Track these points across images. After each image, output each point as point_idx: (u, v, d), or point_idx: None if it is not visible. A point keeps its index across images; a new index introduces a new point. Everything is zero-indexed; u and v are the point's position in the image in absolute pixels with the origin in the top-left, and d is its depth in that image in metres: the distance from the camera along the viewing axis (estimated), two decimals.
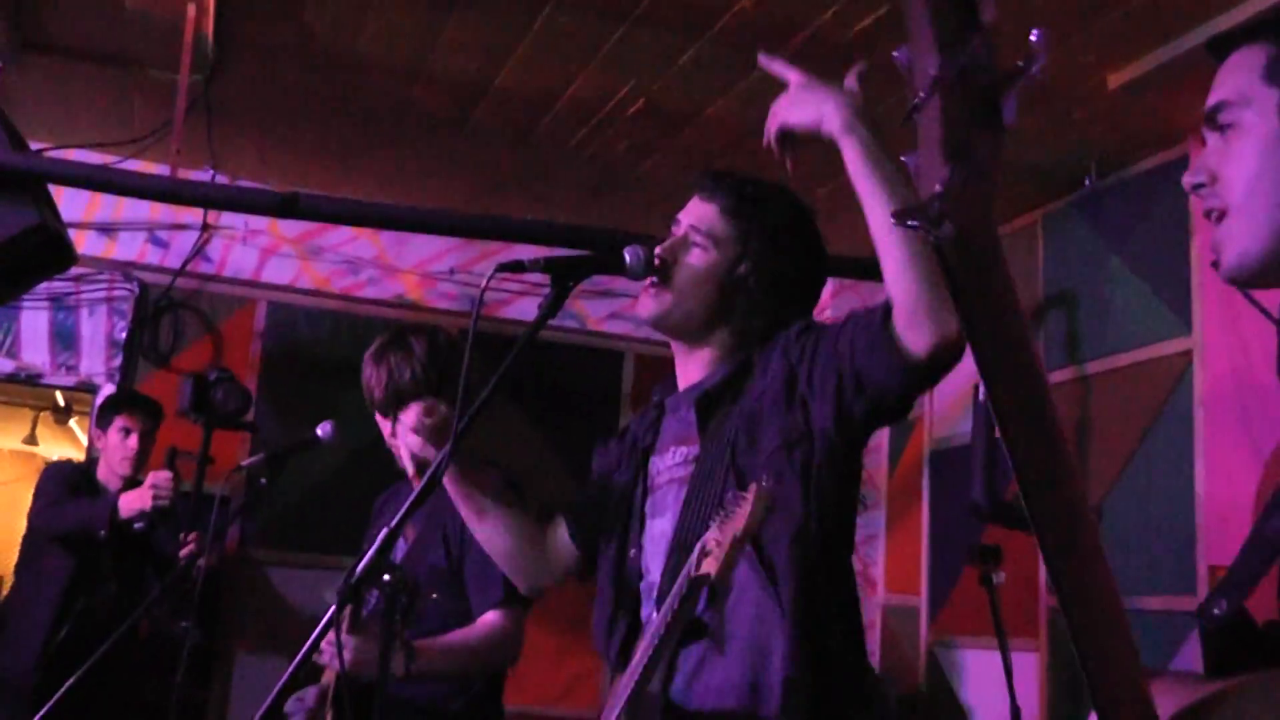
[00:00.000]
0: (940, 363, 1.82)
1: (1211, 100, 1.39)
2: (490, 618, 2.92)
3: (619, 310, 5.80)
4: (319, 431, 3.31)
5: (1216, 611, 1.21)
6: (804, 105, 1.88)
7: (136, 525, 4.18)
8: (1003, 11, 2.93)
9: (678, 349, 2.21)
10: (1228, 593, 1.24)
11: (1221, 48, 1.42)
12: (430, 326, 3.24)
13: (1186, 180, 1.38)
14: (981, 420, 4.83)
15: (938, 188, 0.84)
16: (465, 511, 2.34)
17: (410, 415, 2.41)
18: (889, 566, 5.73)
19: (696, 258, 2.12)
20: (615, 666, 2.10)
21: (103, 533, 4.17)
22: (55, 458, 7.60)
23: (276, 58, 4.19)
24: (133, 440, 4.50)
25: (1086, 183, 4.68)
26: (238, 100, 4.54)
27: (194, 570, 3.43)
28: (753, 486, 1.69)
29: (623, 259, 2.09)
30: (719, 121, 4.33)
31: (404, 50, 4.02)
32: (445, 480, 2.22)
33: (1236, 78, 1.37)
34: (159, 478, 4.14)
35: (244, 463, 3.70)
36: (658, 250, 2.14)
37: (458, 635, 2.88)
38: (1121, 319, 4.56)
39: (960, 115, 0.85)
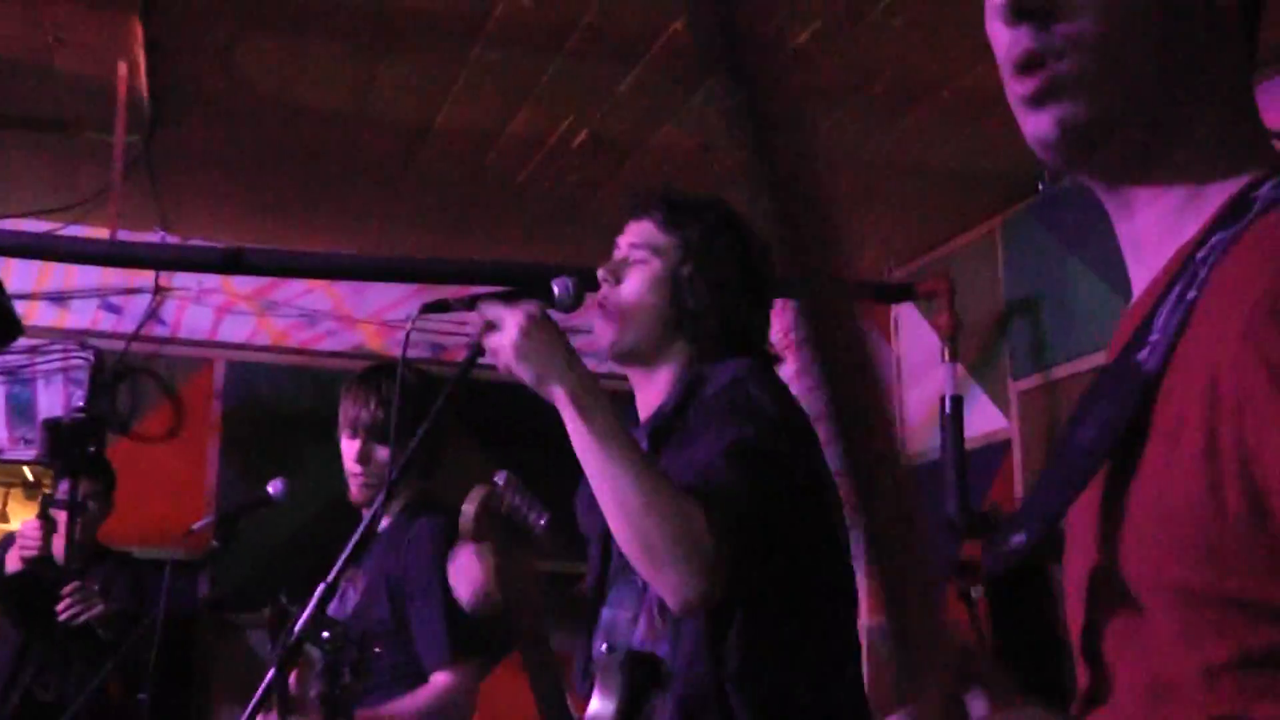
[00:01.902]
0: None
1: None
2: (440, 680, 2.85)
3: (580, 348, 5.73)
4: (270, 489, 3.25)
5: (1016, 542, 0.99)
6: (525, 365, 1.90)
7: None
8: (940, 25, 2.91)
9: (636, 378, 2.18)
10: (1027, 523, 1.01)
11: None
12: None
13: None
14: (951, 432, 4.79)
15: None
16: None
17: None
18: (871, 588, 5.66)
19: (639, 270, 2.12)
20: None
21: None
22: None
23: (214, 111, 4.15)
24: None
25: (1040, 187, 4.66)
26: (179, 157, 4.49)
27: (152, 637, 3.35)
28: (474, 490, 1.63)
29: (550, 291, 2.06)
30: (665, 147, 4.30)
31: (342, 96, 3.98)
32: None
33: None
34: (25, 527, 4.05)
35: (194, 525, 3.63)
36: (600, 272, 2.12)
37: (405, 703, 2.81)
38: (1085, 321, 4.53)
39: None
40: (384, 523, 3.19)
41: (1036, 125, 1.05)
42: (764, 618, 1.92)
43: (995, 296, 5.00)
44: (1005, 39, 1.05)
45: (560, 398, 1.88)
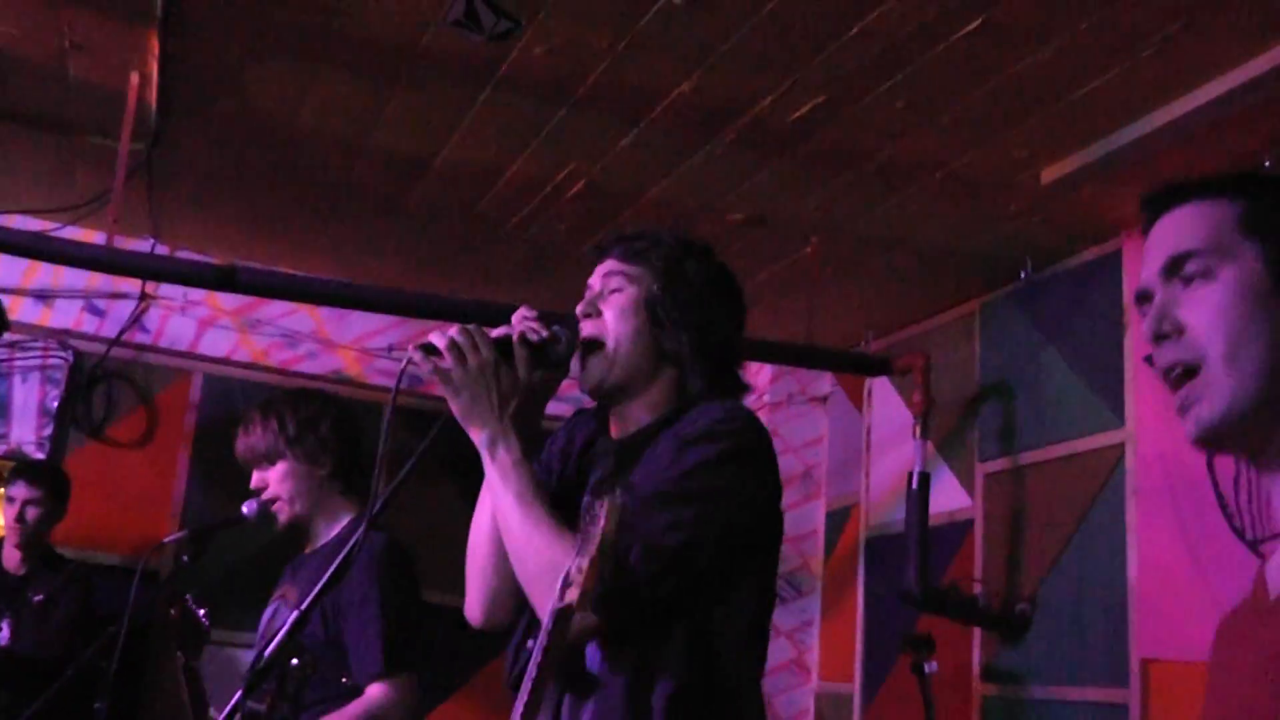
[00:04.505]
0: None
1: (1173, 249, 1.37)
2: (375, 691, 2.88)
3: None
4: (244, 509, 3.28)
5: None
6: (455, 399, 2.05)
7: None
8: (940, 109, 3.00)
9: (618, 407, 2.21)
10: None
11: (1163, 201, 1.41)
12: (309, 392, 3.39)
13: (1149, 329, 1.36)
14: (915, 508, 4.84)
15: None
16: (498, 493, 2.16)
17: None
18: (824, 653, 5.70)
19: (615, 299, 2.18)
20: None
21: None
22: None
23: (219, 129, 4.19)
24: (12, 511, 4.46)
25: (1023, 275, 4.74)
26: (179, 170, 4.53)
27: (112, 646, 3.35)
28: (603, 502, 1.71)
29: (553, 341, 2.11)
30: (657, 204, 4.36)
31: (346, 125, 4.03)
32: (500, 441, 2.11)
33: (1204, 227, 1.35)
34: None
35: (167, 539, 3.65)
36: (579, 309, 2.17)
37: (342, 713, 2.83)
38: (1056, 410, 4.60)
39: None
40: (322, 541, 3.23)
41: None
42: (697, 649, 1.96)
43: (969, 377, 5.06)
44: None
45: (478, 439, 2.04)
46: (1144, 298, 1.39)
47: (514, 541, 1.98)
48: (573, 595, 1.69)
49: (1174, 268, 1.35)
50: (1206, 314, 1.31)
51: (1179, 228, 1.38)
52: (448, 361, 2.02)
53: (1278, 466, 1.32)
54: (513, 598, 2.16)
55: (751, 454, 2.06)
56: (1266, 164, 3.69)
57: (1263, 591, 1.34)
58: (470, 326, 2.05)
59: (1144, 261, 1.41)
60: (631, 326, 2.15)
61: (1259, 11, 3.00)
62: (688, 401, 2.14)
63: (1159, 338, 1.33)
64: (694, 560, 1.93)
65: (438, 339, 2.03)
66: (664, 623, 1.93)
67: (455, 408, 2.04)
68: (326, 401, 3.36)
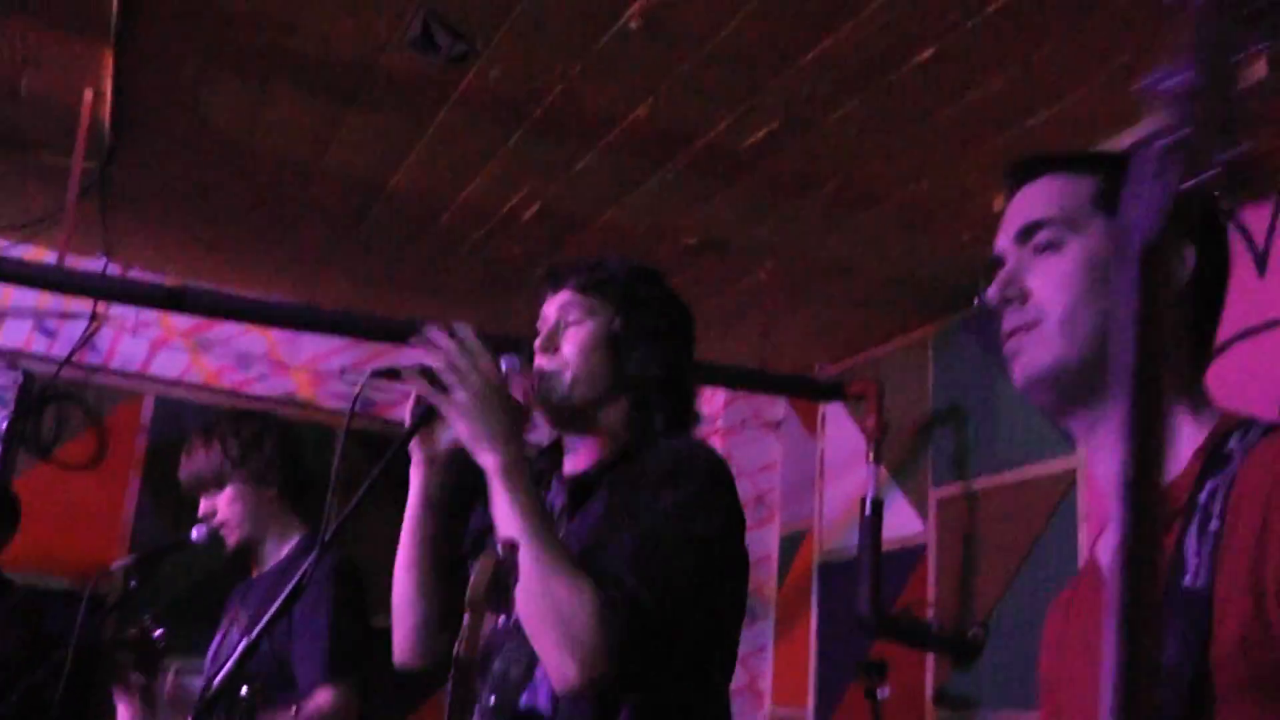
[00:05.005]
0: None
1: (1026, 217, 1.44)
2: (320, 696, 2.86)
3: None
4: (193, 534, 3.26)
5: None
6: (467, 423, 1.95)
7: None
8: (894, 136, 3.02)
9: (572, 437, 2.21)
10: None
11: (1025, 172, 1.48)
12: (249, 413, 3.40)
13: (995, 293, 1.42)
14: (869, 533, 4.85)
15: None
16: (410, 533, 2.19)
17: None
18: (776, 678, 5.70)
19: (574, 333, 2.16)
20: None
21: None
22: None
23: (173, 148, 4.16)
24: None
25: (976, 301, 4.75)
26: (133, 188, 4.50)
27: (60, 671, 3.30)
28: (481, 559, 1.66)
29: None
30: (611, 229, 4.37)
31: (301, 145, 4.01)
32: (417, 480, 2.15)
33: (1059, 200, 1.42)
34: None
35: (115, 564, 3.60)
36: (537, 343, 2.16)
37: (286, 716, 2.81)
38: (1008, 437, 4.63)
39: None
40: (271, 563, 3.21)
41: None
42: (654, 707, 1.95)
43: (923, 403, 5.09)
44: None
45: (492, 466, 1.93)
46: (996, 263, 1.45)
47: (526, 580, 1.82)
48: (459, 647, 1.63)
49: (1026, 235, 1.43)
50: (1051, 282, 1.38)
51: (1036, 198, 1.44)
52: (450, 383, 1.95)
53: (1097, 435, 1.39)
54: (444, 629, 2.13)
55: (722, 493, 2.05)
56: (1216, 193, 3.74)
57: (1094, 569, 1.42)
58: (469, 343, 1.98)
59: (1000, 227, 1.48)
60: (592, 361, 2.14)
61: None
62: (645, 437, 2.13)
63: (1005, 301, 1.41)
64: (675, 614, 1.89)
65: (434, 360, 1.96)
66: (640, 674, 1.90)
67: (463, 431, 1.95)
68: (267, 421, 3.35)
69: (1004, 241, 1.46)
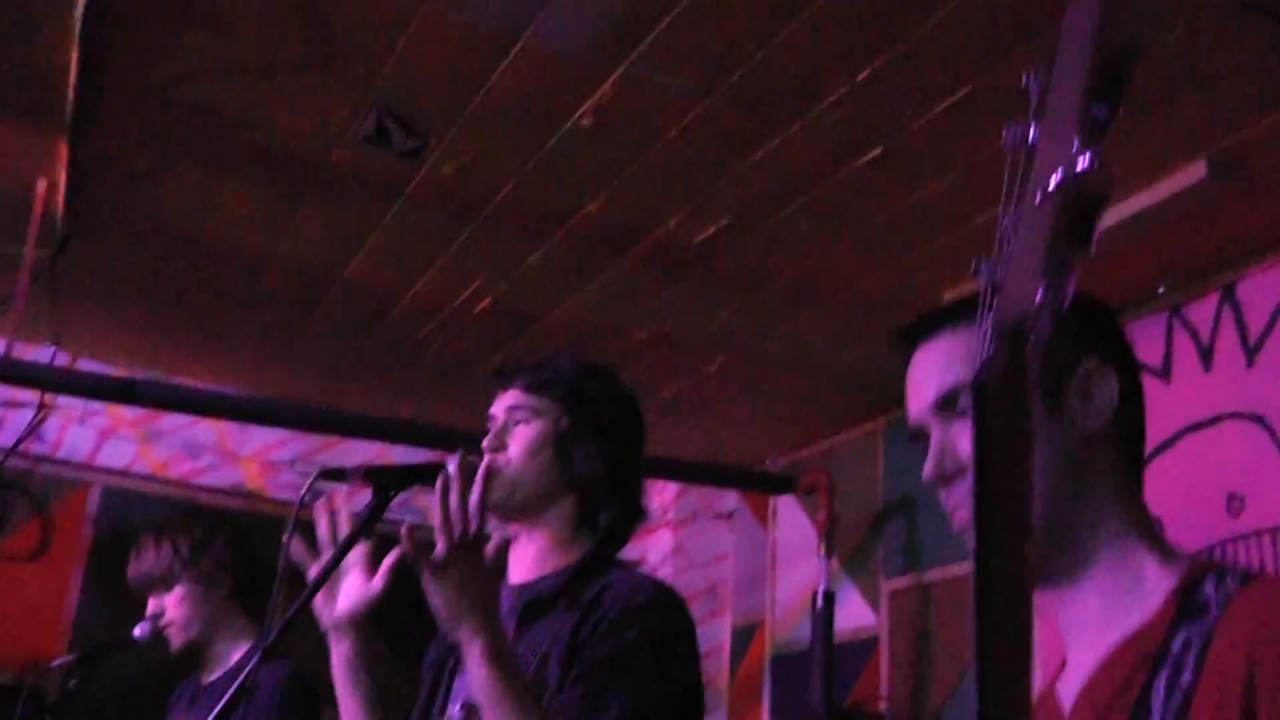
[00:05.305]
0: None
1: (939, 385, 1.38)
2: None
3: None
4: (135, 631, 3.21)
5: None
6: (446, 602, 1.88)
7: None
8: (843, 232, 3.04)
9: (517, 531, 2.21)
10: None
11: (920, 332, 1.44)
12: (201, 513, 3.42)
13: (931, 472, 1.36)
14: (821, 625, 4.84)
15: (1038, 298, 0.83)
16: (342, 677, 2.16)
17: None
18: None
19: (522, 432, 2.18)
20: None
21: None
22: None
23: (126, 238, 4.16)
24: None
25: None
26: (84, 277, 4.48)
27: None
28: None
29: (445, 471, 2.09)
30: (563, 324, 4.39)
31: (255, 236, 4.02)
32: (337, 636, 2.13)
33: (966, 358, 1.34)
34: None
35: (55, 662, 3.55)
36: (485, 443, 2.17)
37: None
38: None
39: (1064, 227, 0.83)
40: (222, 667, 3.15)
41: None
42: None
43: (873, 495, 5.11)
44: None
45: (474, 645, 1.86)
46: (918, 435, 1.40)
47: None
48: None
49: (946, 404, 1.37)
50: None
51: (939, 361, 1.40)
52: (440, 553, 1.87)
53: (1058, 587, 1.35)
54: None
55: (681, 641, 2.08)
56: (1160, 290, 3.81)
57: (1054, 703, 1.37)
58: (467, 509, 1.88)
59: (910, 395, 1.43)
60: (538, 461, 2.16)
61: (1155, 140, 3.09)
62: (596, 557, 2.14)
63: (944, 479, 1.35)
64: None
65: (440, 530, 1.87)
66: None
67: (440, 605, 1.87)
68: (219, 520, 3.32)
69: (922, 413, 1.41)
